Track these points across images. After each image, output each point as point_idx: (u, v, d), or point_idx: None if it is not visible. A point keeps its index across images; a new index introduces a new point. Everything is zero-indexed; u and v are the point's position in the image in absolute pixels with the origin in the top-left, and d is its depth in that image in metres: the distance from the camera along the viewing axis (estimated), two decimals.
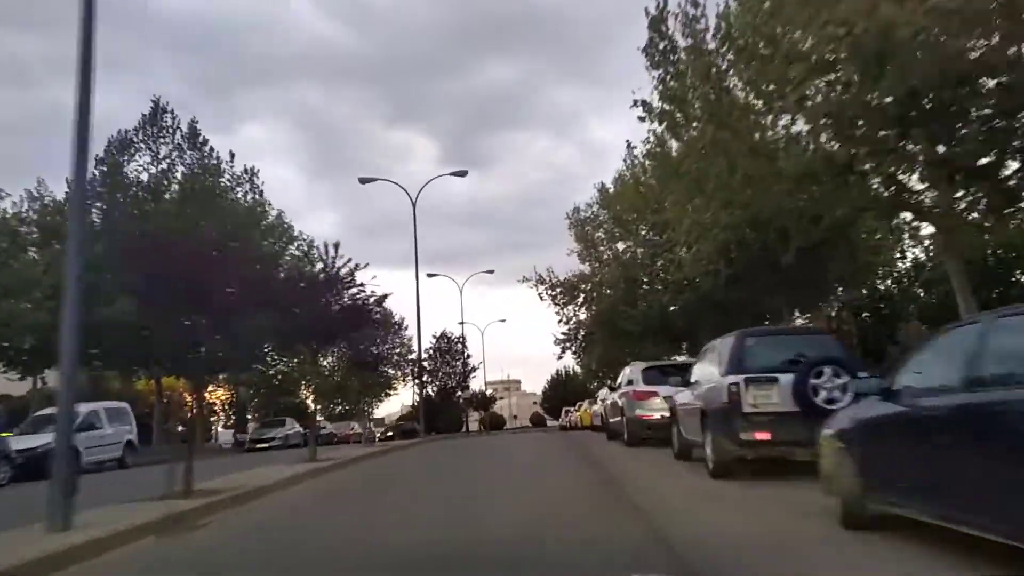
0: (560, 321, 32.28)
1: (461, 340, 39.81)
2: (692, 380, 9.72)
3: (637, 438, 14.11)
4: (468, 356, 40.80)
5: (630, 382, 15.42)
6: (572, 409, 41.74)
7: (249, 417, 56.18)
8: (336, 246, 15.73)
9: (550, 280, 31.40)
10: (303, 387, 57.65)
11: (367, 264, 16.15)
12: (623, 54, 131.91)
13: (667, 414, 11.68)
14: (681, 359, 23.25)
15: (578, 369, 78.59)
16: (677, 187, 16.47)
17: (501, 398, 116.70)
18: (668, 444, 11.23)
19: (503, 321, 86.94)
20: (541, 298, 31.56)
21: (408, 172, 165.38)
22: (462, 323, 74.86)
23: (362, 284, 15.73)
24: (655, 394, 13.68)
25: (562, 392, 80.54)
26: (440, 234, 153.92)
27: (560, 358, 35.42)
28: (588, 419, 28.91)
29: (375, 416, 78.47)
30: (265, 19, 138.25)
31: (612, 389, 19.33)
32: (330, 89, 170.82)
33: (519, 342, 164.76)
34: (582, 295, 30.61)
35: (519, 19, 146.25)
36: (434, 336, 39.49)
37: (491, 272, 47.42)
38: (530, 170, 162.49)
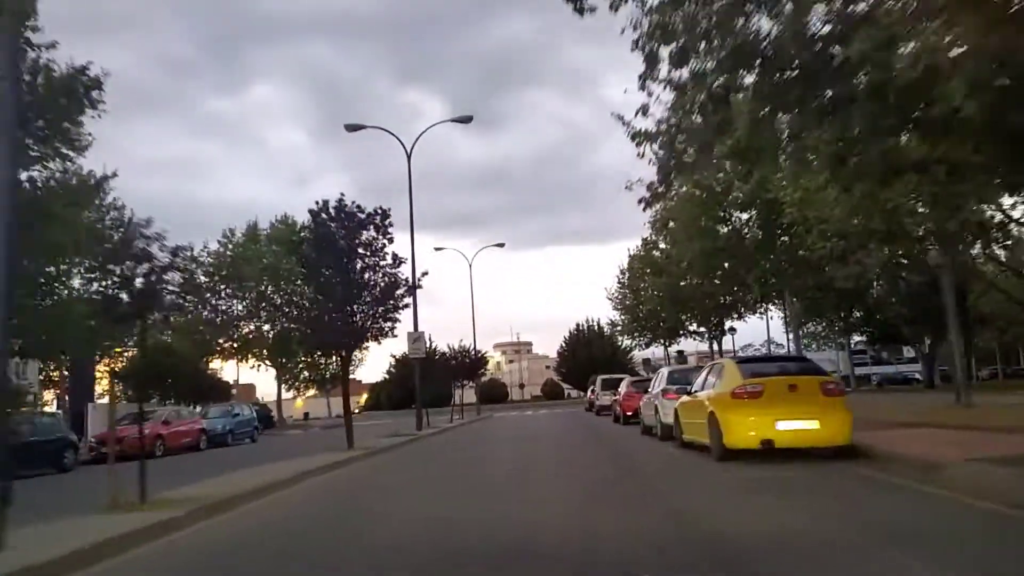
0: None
1: (379, 217, 16.33)
2: None
3: None
4: (400, 259, 17.34)
5: None
6: (636, 383, 19.60)
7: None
8: None
9: None
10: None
11: None
12: None
13: None
14: None
15: (611, 318, 55.75)
16: None
17: (512, 361, 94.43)
18: None
19: (501, 245, 65.64)
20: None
21: (416, 132, 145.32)
22: (420, 254, 51.62)
23: None
24: None
25: (585, 354, 58.15)
26: (452, 199, 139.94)
27: (650, 204, 11.44)
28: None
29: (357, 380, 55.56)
30: None
31: None
32: (339, 47, 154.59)
33: (533, 306, 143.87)
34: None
35: None
36: (311, 212, 16.14)
37: (469, 120, 23.27)
38: (544, 130, 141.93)
